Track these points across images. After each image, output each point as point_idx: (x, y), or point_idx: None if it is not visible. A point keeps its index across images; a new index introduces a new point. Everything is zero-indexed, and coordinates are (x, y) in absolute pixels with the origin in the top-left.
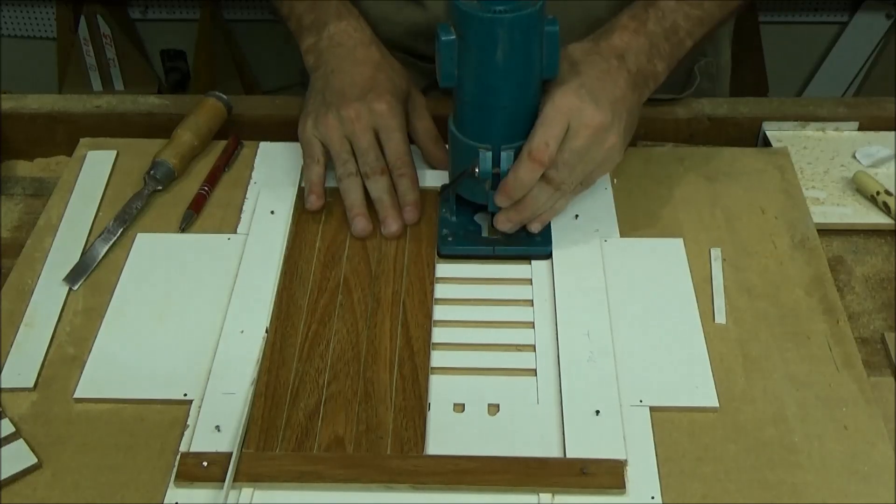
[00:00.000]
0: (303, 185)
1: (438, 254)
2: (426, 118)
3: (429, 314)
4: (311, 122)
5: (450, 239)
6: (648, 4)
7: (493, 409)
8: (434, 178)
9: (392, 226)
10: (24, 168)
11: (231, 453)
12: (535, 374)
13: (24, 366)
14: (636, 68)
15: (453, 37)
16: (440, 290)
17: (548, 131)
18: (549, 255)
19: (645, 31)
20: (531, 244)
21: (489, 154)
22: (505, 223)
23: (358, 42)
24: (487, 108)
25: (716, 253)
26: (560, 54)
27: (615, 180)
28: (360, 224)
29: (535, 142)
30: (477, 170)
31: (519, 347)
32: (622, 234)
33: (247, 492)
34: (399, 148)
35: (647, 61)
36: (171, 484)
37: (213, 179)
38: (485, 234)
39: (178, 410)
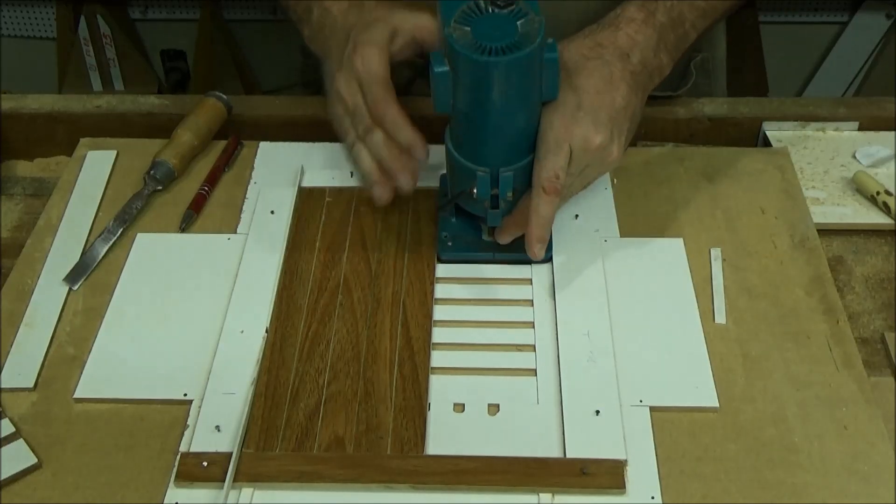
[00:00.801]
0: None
1: (438, 259)
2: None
3: (429, 314)
4: (329, 110)
5: (450, 244)
6: None
7: (493, 409)
8: (431, 179)
9: (401, 179)
10: (24, 168)
11: (231, 453)
12: (535, 374)
13: (24, 366)
14: (641, 66)
15: (447, 68)
16: (440, 290)
17: (555, 162)
18: (549, 261)
19: (654, 23)
20: None
21: (487, 177)
22: (508, 237)
23: (337, 15)
24: (484, 135)
25: (716, 253)
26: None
27: (615, 180)
28: (377, 192)
29: (544, 175)
30: (475, 191)
31: (519, 347)
32: (622, 234)
33: (247, 492)
34: (375, 93)
35: (653, 55)
36: (171, 484)
37: (213, 179)
38: (485, 237)
39: (178, 410)
